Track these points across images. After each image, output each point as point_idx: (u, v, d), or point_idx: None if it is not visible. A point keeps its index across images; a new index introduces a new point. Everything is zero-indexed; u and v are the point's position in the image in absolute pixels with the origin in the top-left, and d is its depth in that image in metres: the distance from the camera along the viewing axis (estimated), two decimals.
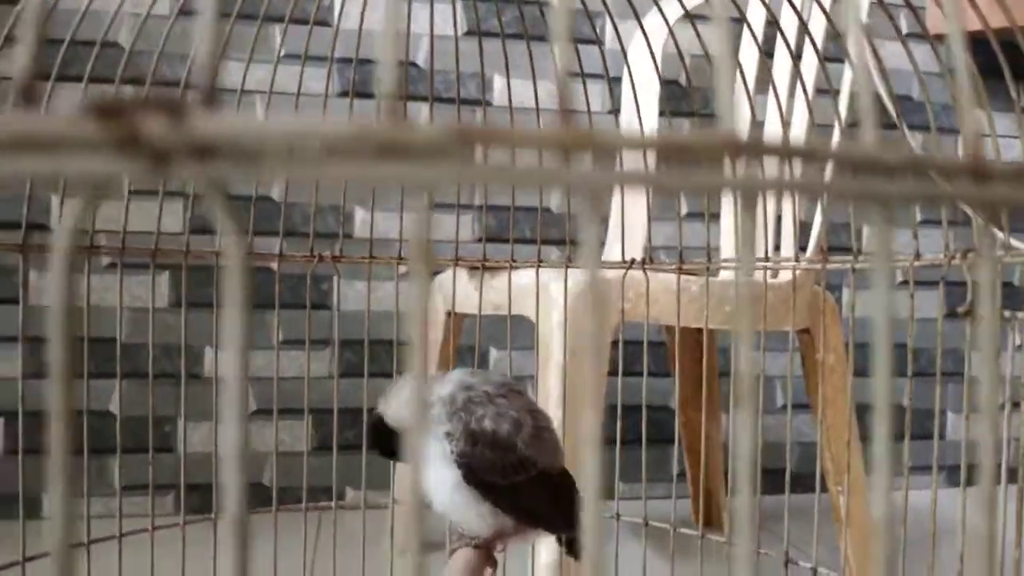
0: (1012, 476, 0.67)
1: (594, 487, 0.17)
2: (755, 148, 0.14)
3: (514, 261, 0.78)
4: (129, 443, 1.31)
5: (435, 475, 0.56)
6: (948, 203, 0.17)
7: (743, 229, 0.16)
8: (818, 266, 0.66)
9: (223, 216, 0.13)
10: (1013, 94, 0.73)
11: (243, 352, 0.14)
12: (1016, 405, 0.68)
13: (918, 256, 0.63)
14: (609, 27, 1.47)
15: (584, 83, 0.97)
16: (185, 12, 1.24)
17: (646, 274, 0.75)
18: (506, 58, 0.95)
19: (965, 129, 0.17)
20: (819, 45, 1.00)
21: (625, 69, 1.28)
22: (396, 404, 0.58)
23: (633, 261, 0.74)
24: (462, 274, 1.03)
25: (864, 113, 0.17)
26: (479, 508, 0.56)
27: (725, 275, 1.12)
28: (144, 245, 0.80)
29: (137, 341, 1.33)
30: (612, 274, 0.79)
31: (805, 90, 0.84)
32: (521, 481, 0.56)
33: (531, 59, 0.94)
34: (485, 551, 0.58)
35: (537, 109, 0.95)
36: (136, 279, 1.34)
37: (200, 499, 1.28)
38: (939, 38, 1.46)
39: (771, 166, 0.16)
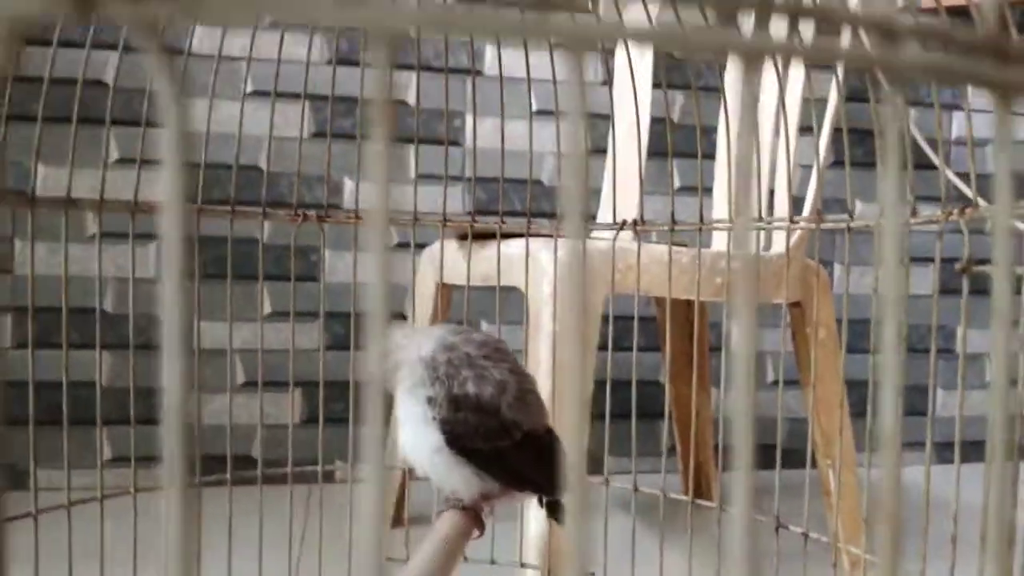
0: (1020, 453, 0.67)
1: (579, 452, 0.16)
2: (763, 4, 0.13)
3: (503, 222, 0.77)
4: (114, 414, 1.30)
5: (416, 438, 0.55)
6: (966, 81, 0.16)
7: (744, 99, 0.15)
8: (813, 226, 0.65)
9: (157, 67, 0.11)
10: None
11: (181, 258, 0.13)
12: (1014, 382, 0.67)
13: (914, 213, 0.62)
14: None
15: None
16: None
17: (637, 234, 0.73)
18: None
19: (985, 3, 0.16)
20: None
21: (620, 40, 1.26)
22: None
23: (624, 223, 0.73)
24: (451, 245, 1.02)
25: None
26: (463, 472, 0.55)
27: (717, 246, 1.11)
28: (123, 207, 0.78)
29: (121, 312, 1.32)
30: (603, 243, 0.78)
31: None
32: (505, 446, 0.55)
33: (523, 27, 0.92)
34: (472, 513, 0.57)
35: (528, 79, 0.93)
36: (120, 248, 1.32)
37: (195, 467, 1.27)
38: (930, 11, 1.44)
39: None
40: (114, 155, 1.33)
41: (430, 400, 0.54)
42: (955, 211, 0.55)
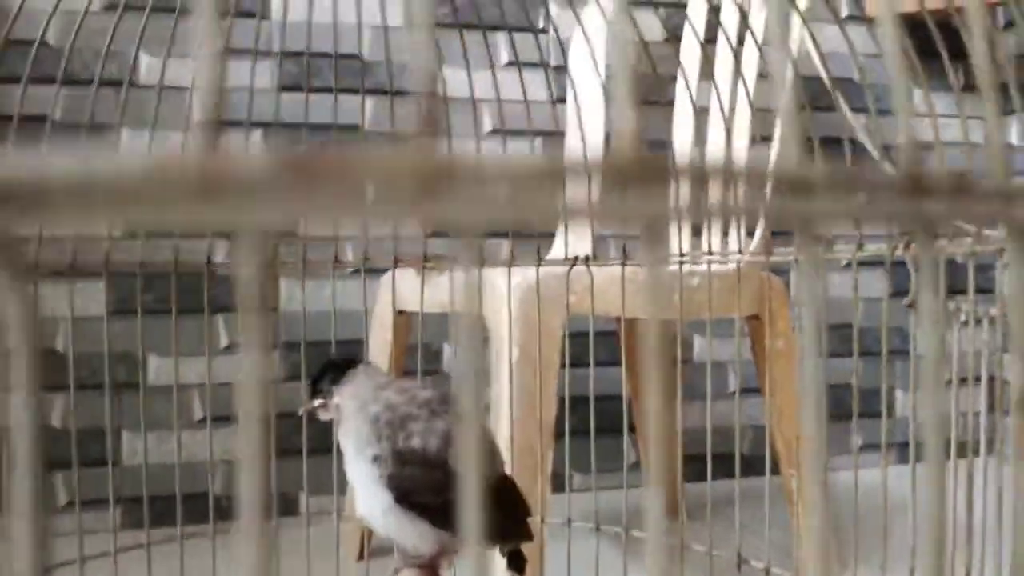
0: (961, 451, 0.68)
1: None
2: (652, 171, 0.13)
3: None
4: (69, 457, 1.27)
5: (368, 499, 0.55)
6: (884, 221, 0.16)
7: (650, 268, 0.14)
8: (762, 258, 0.66)
9: (3, 279, 0.11)
10: (951, 75, 0.73)
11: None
12: (964, 380, 0.68)
13: (860, 247, 0.63)
14: (554, 14, 1.46)
15: (520, 71, 0.96)
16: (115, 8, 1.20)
17: (590, 272, 0.74)
18: (438, 48, 0.93)
19: (902, 139, 0.16)
20: (759, 31, 1.00)
21: (574, 55, 1.26)
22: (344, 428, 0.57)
23: (576, 259, 0.73)
24: (408, 272, 1.01)
25: (787, 130, 0.16)
26: (417, 527, 0.54)
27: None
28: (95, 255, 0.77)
29: (76, 351, 1.29)
30: (559, 270, 0.78)
31: (744, 79, 0.83)
32: (456, 498, 0.54)
33: (464, 49, 0.92)
34: (430, 570, 0.56)
35: (473, 100, 0.93)
36: (74, 287, 1.29)
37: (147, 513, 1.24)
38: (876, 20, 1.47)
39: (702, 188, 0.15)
40: None
41: (376, 458, 0.54)
42: (900, 245, 0.56)
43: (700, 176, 0.14)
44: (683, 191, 0.14)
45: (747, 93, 0.96)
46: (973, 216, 0.15)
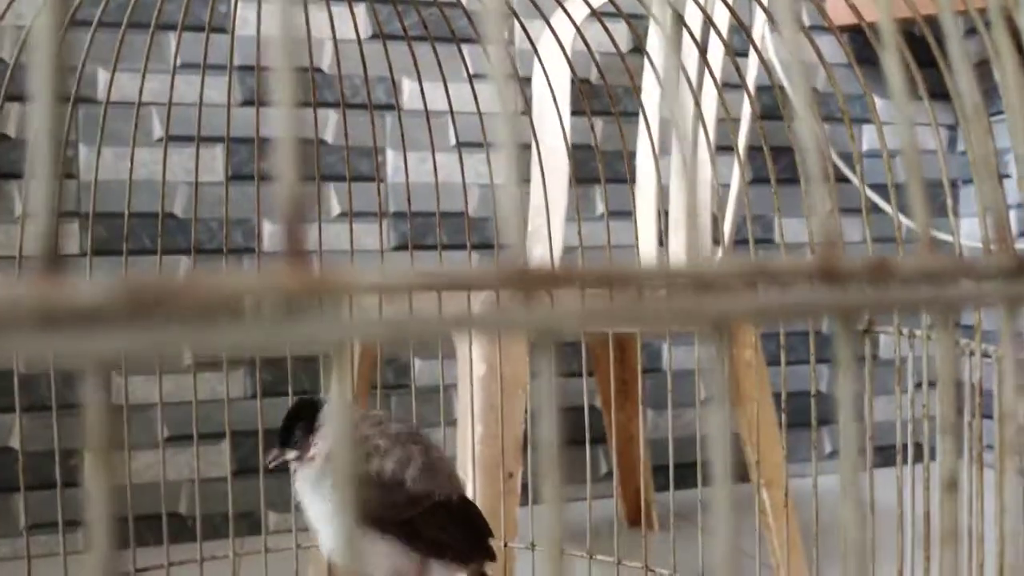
0: (918, 454, 0.68)
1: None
2: (537, 280, 0.12)
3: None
4: (32, 480, 1.24)
5: (329, 532, 0.54)
6: (802, 316, 0.15)
7: (541, 380, 0.14)
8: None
9: None
10: (920, 83, 0.73)
11: None
12: (918, 386, 0.68)
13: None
14: (517, 27, 1.46)
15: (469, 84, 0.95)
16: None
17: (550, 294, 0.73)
18: (415, 60, 0.93)
19: (818, 228, 0.16)
20: (724, 37, 1.00)
21: (538, 68, 1.26)
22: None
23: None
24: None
25: (691, 224, 0.16)
26: (381, 549, 0.54)
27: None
28: None
29: (35, 371, 1.26)
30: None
31: (716, 81, 0.83)
32: (414, 515, 0.54)
33: (439, 61, 0.91)
34: None
35: (451, 112, 0.93)
36: None
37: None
38: (841, 28, 1.48)
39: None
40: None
41: (333, 487, 0.53)
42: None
43: (595, 281, 0.13)
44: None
45: (721, 100, 0.96)
46: (895, 305, 0.14)
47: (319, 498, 0.54)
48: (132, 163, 0.71)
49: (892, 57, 0.21)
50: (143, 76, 0.80)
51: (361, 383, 1.08)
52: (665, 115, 1.23)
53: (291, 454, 0.57)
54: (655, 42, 1.23)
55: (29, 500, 1.26)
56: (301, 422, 0.56)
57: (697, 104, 1.03)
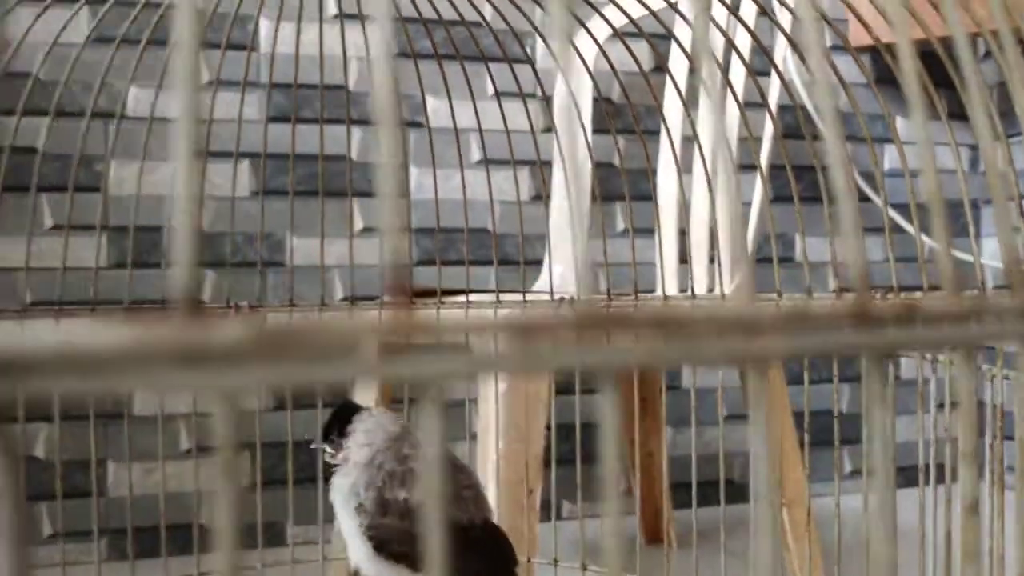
0: (940, 475, 0.68)
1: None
2: (608, 322, 0.13)
3: (442, 302, 0.77)
4: (55, 488, 1.25)
5: (355, 550, 0.56)
6: (835, 355, 0.16)
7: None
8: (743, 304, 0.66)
9: None
10: (937, 103, 0.74)
11: None
12: (940, 407, 0.68)
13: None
14: (540, 46, 1.47)
15: (525, 103, 0.97)
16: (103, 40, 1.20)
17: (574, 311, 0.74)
18: (445, 79, 0.94)
19: (851, 268, 0.16)
20: (746, 58, 1.01)
21: (560, 87, 1.27)
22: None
23: (562, 300, 0.74)
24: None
25: (744, 276, 0.16)
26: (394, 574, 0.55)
27: (660, 291, 1.12)
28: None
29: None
30: (542, 309, 0.79)
31: (738, 99, 0.84)
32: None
33: (467, 79, 0.93)
34: None
35: (480, 130, 0.94)
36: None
37: (137, 543, 1.23)
38: (860, 50, 1.49)
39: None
40: (47, 223, 1.30)
41: (359, 508, 0.54)
42: (878, 295, 0.56)
43: (651, 323, 0.14)
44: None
45: (746, 118, 0.97)
46: (921, 344, 0.15)
47: (347, 514, 0.55)
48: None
49: (912, 78, 0.21)
50: (155, 91, 0.82)
51: (384, 398, 1.09)
52: (687, 133, 1.24)
53: (328, 448, 0.59)
54: (677, 62, 1.24)
55: (54, 508, 1.28)
56: (338, 422, 0.59)
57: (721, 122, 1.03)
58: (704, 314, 0.15)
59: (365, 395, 1.04)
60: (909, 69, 0.21)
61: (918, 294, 0.69)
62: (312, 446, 0.62)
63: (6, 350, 0.10)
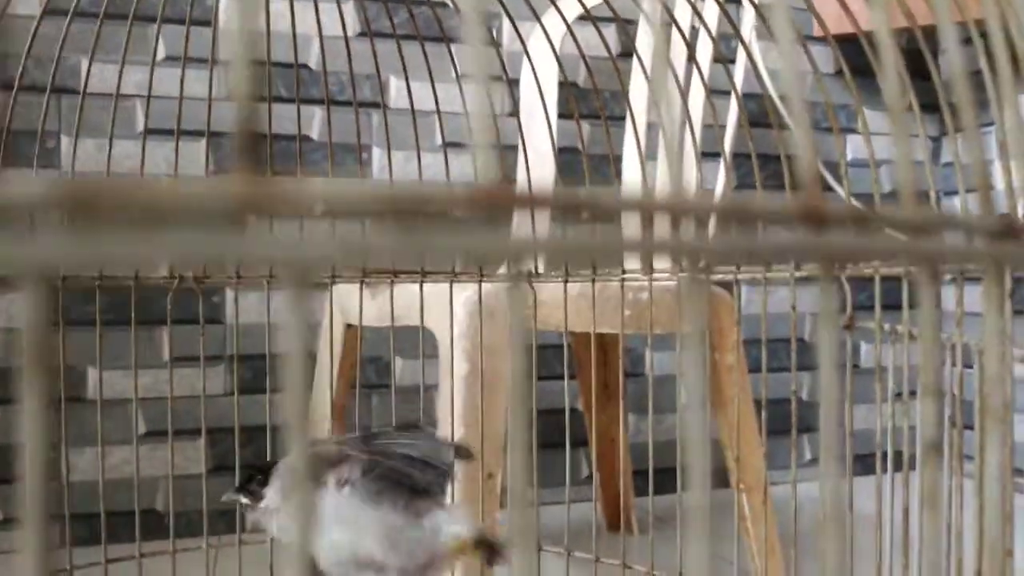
0: (898, 462, 0.68)
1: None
2: (502, 200, 0.12)
3: (395, 276, 0.76)
4: (2, 472, 1.22)
5: (330, 528, 0.56)
6: (782, 258, 0.15)
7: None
8: (702, 277, 0.66)
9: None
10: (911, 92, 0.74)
11: None
12: (899, 396, 0.69)
13: (798, 267, 0.64)
14: (507, 28, 1.45)
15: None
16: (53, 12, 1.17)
17: (532, 287, 0.73)
18: (403, 59, 0.92)
19: (803, 168, 0.15)
20: (709, 47, 1.01)
21: (527, 70, 1.26)
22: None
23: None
24: (354, 285, 0.99)
25: (669, 153, 0.15)
26: (389, 514, 0.57)
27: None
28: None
29: (7, 365, 1.24)
30: (502, 286, 0.78)
31: (706, 83, 0.84)
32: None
33: (427, 60, 0.91)
34: None
35: (438, 112, 0.92)
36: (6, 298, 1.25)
37: (88, 529, 1.20)
38: (819, 40, 1.49)
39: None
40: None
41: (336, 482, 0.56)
42: (836, 266, 0.56)
43: (568, 205, 0.13)
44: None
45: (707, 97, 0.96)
46: (877, 253, 0.14)
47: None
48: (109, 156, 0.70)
49: (891, 71, 0.20)
50: (120, 67, 0.80)
51: (342, 383, 1.07)
52: (653, 119, 1.23)
53: (244, 499, 0.62)
54: (644, 45, 1.23)
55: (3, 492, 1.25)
56: (257, 474, 0.61)
57: (685, 108, 1.03)
58: (635, 199, 0.14)
59: (323, 382, 1.03)
60: (889, 59, 0.20)
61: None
62: (224, 498, 0.64)
63: None
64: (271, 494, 0.60)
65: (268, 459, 0.65)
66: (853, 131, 1.65)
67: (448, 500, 0.60)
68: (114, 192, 0.10)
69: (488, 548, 0.59)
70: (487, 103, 0.14)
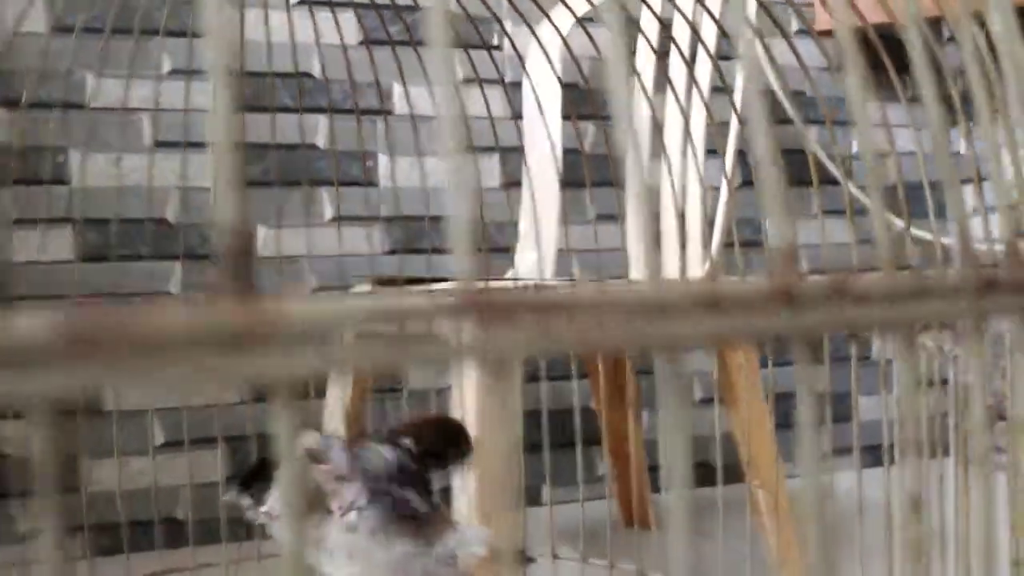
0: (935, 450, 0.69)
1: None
2: (494, 309, 0.13)
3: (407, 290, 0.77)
4: (27, 484, 1.24)
5: (341, 553, 0.57)
6: (758, 340, 0.16)
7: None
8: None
9: None
10: (898, 87, 0.74)
11: None
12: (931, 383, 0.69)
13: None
14: (509, 31, 1.46)
15: (482, 88, 0.96)
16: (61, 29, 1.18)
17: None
18: (399, 66, 0.93)
19: (777, 242, 0.16)
20: (711, 45, 1.01)
21: (524, 75, 1.27)
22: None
23: (526, 288, 0.73)
24: (367, 290, 1.00)
25: (650, 246, 0.16)
26: (387, 531, 0.57)
27: (635, 274, 1.12)
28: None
29: None
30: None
31: (700, 90, 0.84)
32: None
33: (423, 67, 0.92)
34: None
35: (437, 117, 0.93)
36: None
37: (110, 540, 1.22)
38: (825, 34, 1.49)
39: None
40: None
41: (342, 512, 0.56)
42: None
43: (548, 309, 0.13)
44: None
45: (704, 101, 0.97)
46: (853, 326, 0.15)
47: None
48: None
49: (854, 69, 0.21)
50: (127, 81, 0.81)
51: (356, 389, 1.08)
52: (659, 118, 1.24)
53: (245, 501, 0.61)
54: (643, 46, 1.24)
55: (29, 505, 1.26)
56: (259, 478, 0.61)
57: (684, 109, 1.03)
58: (612, 297, 0.14)
59: (336, 391, 1.04)
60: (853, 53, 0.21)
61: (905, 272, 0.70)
62: (225, 498, 0.63)
63: None
64: (273, 499, 0.60)
65: (262, 460, 0.63)
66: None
67: (455, 515, 0.60)
68: (114, 326, 0.10)
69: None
70: (457, 105, 0.15)
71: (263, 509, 0.59)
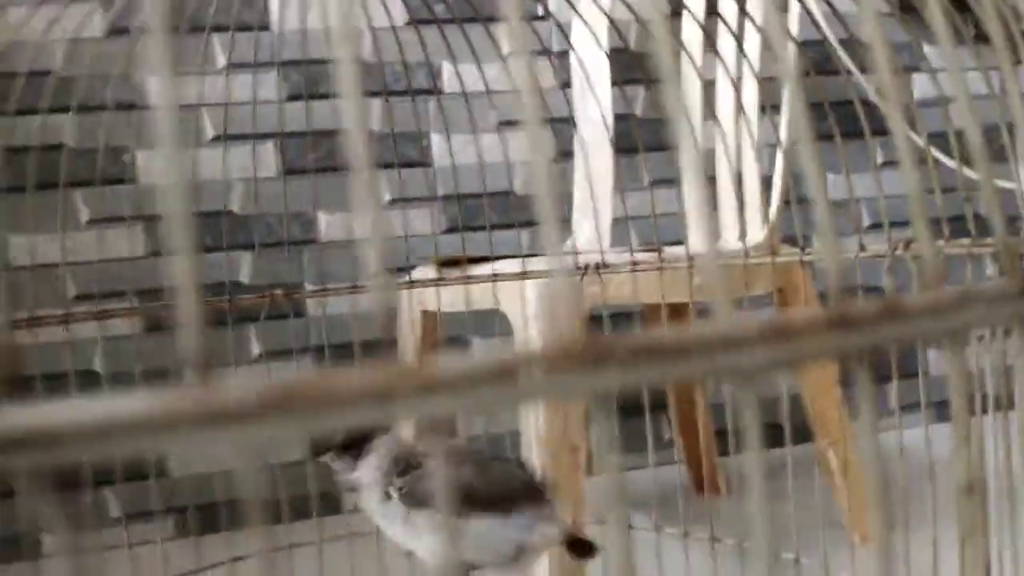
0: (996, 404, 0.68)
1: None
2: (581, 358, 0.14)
3: (469, 277, 0.78)
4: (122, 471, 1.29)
5: (393, 528, 0.58)
6: (818, 361, 0.17)
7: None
8: (768, 260, 0.67)
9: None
10: (962, 27, 0.72)
11: None
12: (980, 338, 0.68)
13: (863, 248, 0.64)
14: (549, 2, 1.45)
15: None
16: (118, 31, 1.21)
17: (600, 278, 0.75)
18: (448, 45, 0.94)
19: (831, 274, 0.16)
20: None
21: (576, 40, 1.26)
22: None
23: (587, 268, 0.75)
24: (430, 272, 1.02)
25: (711, 244, 0.16)
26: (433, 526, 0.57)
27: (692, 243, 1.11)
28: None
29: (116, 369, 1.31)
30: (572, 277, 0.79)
31: (747, 58, 0.83)
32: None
33: (469, 44, 0.92)
34: None
35: (488, 92, 0.93)
36: None
37: (202, 519, 1.27)
38: None
39: None
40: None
41: (387, 488, 0.56)
42: (901, 245, 0.56)
43: (639, 354, 0.14)
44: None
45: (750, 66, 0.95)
46: (905, 343, 0.15)
47: (376, 500, 0.58)
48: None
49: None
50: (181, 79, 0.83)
51: (426, 351, 1.10)
52: (710, 78, 1.22)
53: (339, 465, 0.62)
54: (697, 3, 1.22)
55: (118, 492, 1.32)
56: (355, 442, 0.61)
57: (739, 65, 1.02)
58: (692, 338, 0.15)
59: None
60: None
61: (965, 240, 0.68)
62: (320, 459, 0.64)
63: (55, 424, 0.11)
64: (364, 468, 0.61)
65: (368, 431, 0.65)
66: (917, 69, 1.60)
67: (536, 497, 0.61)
68: (301, 392, 0.12)
69: (579, 545, 0.60)
70: (533, 78, 0.16)
71: (354, 475, 0.60)
